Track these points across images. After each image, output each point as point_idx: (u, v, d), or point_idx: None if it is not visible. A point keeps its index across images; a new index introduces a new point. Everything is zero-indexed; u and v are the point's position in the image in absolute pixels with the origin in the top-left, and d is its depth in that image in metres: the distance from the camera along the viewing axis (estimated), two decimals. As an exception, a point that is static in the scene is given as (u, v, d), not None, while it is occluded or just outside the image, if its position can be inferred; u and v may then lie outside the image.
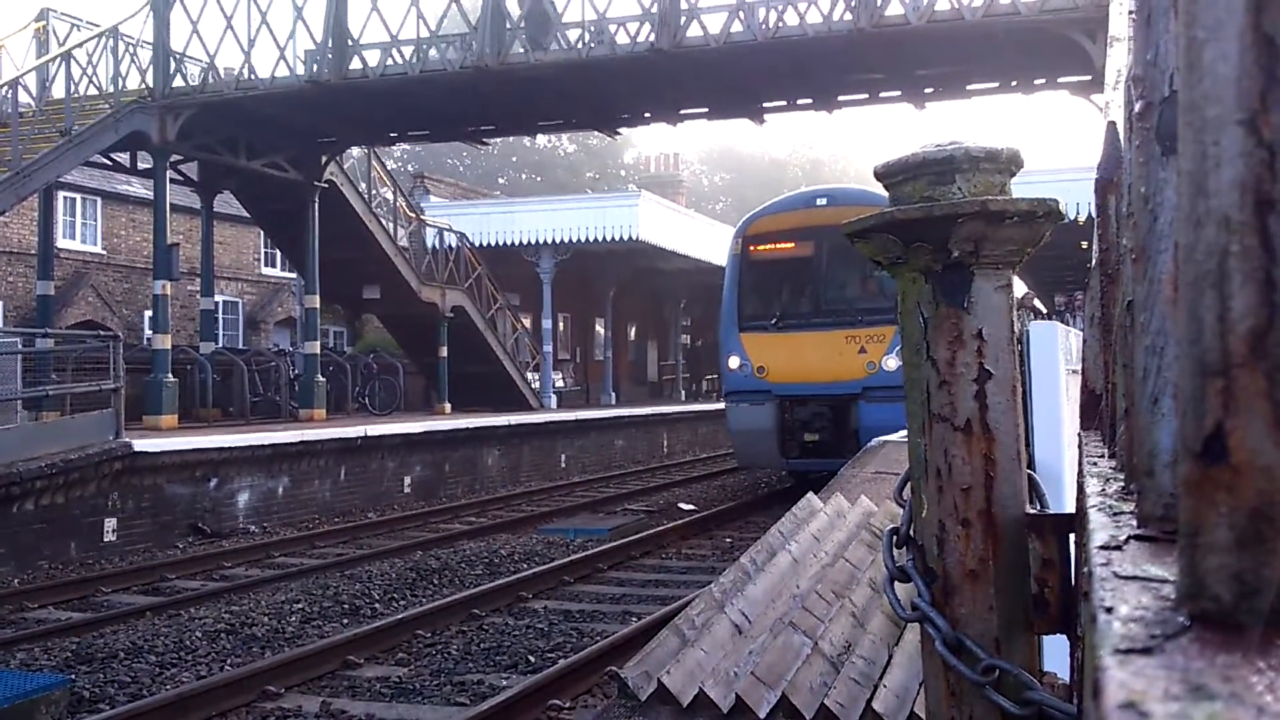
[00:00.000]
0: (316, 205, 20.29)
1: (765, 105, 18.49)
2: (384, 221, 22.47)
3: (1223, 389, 0.70)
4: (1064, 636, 2.00)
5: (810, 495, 5.97)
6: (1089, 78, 15.34)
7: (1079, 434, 2.91)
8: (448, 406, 23.74)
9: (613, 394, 32.45)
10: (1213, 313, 0.70)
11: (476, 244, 26.57)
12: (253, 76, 17.38)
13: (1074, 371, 4.83)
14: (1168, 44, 1.00)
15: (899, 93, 17.80)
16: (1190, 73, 0.73)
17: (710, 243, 30.98)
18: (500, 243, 27.91)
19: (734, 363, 17.09)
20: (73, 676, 7.81)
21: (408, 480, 18.76)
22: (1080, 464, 2.22)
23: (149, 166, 18.42)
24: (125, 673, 8.13)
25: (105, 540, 13.18)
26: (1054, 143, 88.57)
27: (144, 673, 8.13)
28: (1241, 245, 0.69)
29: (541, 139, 56.73)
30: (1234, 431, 0.69)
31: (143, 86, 17.58)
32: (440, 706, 7.32)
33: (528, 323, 30.03)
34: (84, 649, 8.80)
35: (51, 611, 10.52)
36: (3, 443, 12.18)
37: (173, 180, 18.68)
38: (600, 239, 27.52)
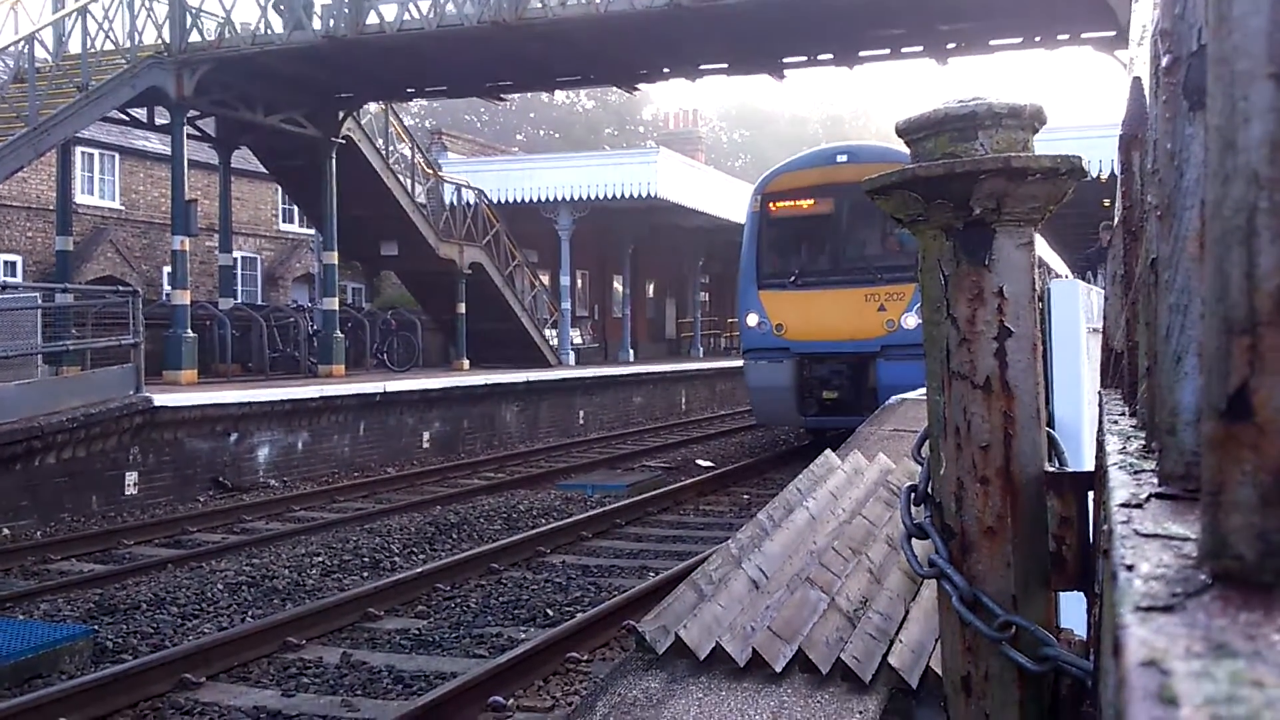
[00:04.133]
0: (334, 161, 20.28)
1: (785, 61, 18.32)
2: (402, 178, 22.43)
3: (1248, 346, 0.69)
4: (1080, 594, 2.00)
5: (828, 452, 5.97)
6: (1113, 33, 15.15)
7: (1099, 392, 2.90)
8: (466, 363, 23.81)
9: (631, 351, 32.47)
10: (1239, 269, 0.69)
11: (494, 201, 26.51)
12: (269, 32, 17.32)
13: (1095, 330, 4.81)
14: (1197, -3, 0.99)
15: (921, 48, 17.60)
16: (1220, 26, 0.72)
17: (729, 200, 30.83)
18: (518, 199, 27.86)
19: (753, 320, 17.05)
20: (95, 627, 7.93)
21: (426, 436, 18.86)
22: (1100, 422, 2.21)
23: (166, 122, 18.44)
24: (147, 624, 8.24)
25: (126, 494, 13.31)
26: (1077, 99, 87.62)
27: (166, 624, 8.23)
28: (1270, 201, 0.68)
29: (560, 95, 56.49)
30: (1259, 389, 0.69)
31: (159, 42, 17.54)
32: (459, 658, 7.39)
33: (546, 280, 30.01)
34: (106, 600, 8.91)
35: (74, 563, 10.65)
36: (24, 397, 12.29)
37: (190, 136, 18.68)
38: (619, 196, 27.44)
